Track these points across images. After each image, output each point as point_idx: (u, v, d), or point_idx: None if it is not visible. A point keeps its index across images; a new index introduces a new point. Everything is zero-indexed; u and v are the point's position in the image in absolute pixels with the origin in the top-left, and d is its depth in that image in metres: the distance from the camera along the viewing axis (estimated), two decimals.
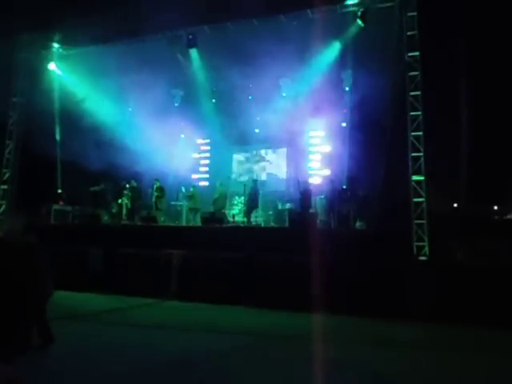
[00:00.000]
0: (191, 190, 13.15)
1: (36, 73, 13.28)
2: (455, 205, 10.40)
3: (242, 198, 13.08)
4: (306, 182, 11.76)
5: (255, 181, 12.52)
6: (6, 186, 13.17)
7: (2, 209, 13.07)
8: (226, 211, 12.59)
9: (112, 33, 11.39)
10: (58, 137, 13.87)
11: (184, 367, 4.93)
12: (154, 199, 12.84)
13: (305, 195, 11.07)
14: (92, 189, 13.42)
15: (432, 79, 9.60)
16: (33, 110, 12.96)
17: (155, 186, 12.92)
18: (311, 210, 11.07)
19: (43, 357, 5.19)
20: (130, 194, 13.12)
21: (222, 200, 12.40)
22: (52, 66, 13.37)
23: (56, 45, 12.98)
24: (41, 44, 12.87)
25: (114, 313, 8.34)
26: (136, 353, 5.47)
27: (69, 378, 4.52)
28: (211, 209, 12.30)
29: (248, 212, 12.00)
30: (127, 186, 13.21)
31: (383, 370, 5.03)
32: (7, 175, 13.18)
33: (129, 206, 13.12)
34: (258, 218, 12.44)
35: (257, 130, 14.54)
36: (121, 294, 9.44)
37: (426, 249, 9.00)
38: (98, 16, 10.11)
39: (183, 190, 13.40)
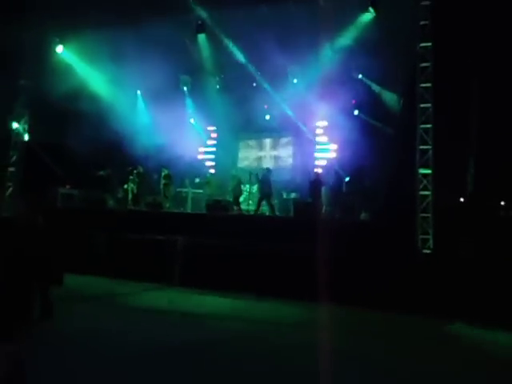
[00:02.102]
0: (208, 176, 13.13)
1: (43, 55, 13.19)
2: (462, 199, 10.32)
3: (248, 185, 13.06)
4: (316, 172, 11.71)
5: (268, 169, 12.40)
6: (13, 169, 13.25)
7: (9, 191, 13.17)
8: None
9: (119, 16, 11.25)
10: (64, 120, 13.80)
11: (186, 353, 5.01)
12: (161, 186, 12.87)
13: (314, 184, 11.03)
14: (98, 173, 13.47)
15: (444, 71, 9.41)
16: (39, 93, 12.92)
17: (163, 174, 12.92)
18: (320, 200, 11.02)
19: (47, 336, 5.28)
20: (136, 179, 13.15)
21: (239, 188, 12.35)
22: (59, 48, 13.28)
23: (63, 27, 12.82)
24: (48, 26, 12.73)
25: (117, 297, 8.45)
26: (137, 338, 5.55)
27: (69, 359, 4.60)
28: (227, 196, 12.27)
29: (260, 200, 11.77)
30: (134, 171, 13.24)
31: (381, 360, 5.08)
32: (14, 158, 13.25)
33: (135, 191, 13.17)
34: (264, 206, 12.43)
35: (268, 117, 14.43)
36: (124, 278, 9.54)
37: (431, 242, 8.97)
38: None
39: (197, 180, 13.33)
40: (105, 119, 13.22)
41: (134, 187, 13.19)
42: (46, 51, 13.20)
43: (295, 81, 13.59)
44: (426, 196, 9.24)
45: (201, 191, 13.43)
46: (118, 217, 11.55)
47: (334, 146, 13.86)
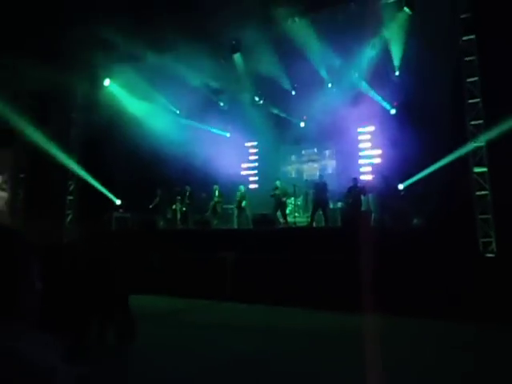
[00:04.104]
0: (242, 190, 13.21)
1: (92, 89, 14.12)
2: None
3: (292, 198, 12.99)
4: (355, 179, 11.40)
5: (321, 175, 12.35)
6: (71, 197, 14.16)
7: (69, 218, 14.07)
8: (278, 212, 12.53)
9: (158, 48, 11.86)
10: (110, 148, 14.38)
11: (250, 366, 5.03)
12: (213, 203, 13.13)
13: (353, 193, 10.77)
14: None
15: (490, 63, 8.92)
16: (91, 125, 13.80)
17: (216, 191, 13.19)
18: (362, 209, 10.74)
19: (112, 357, 5.50)
20: (185, 199, 13.56)
21: (281, 198, 12.29)
22: (107, 82, 14.16)
23: (109, 62, 13.65)
24: (97, 63, 13.62)
25: (177, 314, 8.68)
26: (202, 352, 5.67)
27: (136, 378, 4.74)
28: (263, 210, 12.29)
29: (314, 210, 11.47)
30: (182, 191, 13.66)
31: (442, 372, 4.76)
32: (72, 187, 14.18)
33: (183, 210, 13.56)
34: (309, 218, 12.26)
35: (302, 124, 14.38)
36: (179, 296, 9.78)
37: (494, 245, 8.39)
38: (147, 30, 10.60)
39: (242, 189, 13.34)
40: (147, 143, 13.65)
41: (182, 207, 13.59)
42: (94, 85, 14.11)
43: (330, 85, 13.44)
44: (484, 196, 8.70)
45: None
46: (169, 236, 11.93)
47: (378, 151, 13.49)
